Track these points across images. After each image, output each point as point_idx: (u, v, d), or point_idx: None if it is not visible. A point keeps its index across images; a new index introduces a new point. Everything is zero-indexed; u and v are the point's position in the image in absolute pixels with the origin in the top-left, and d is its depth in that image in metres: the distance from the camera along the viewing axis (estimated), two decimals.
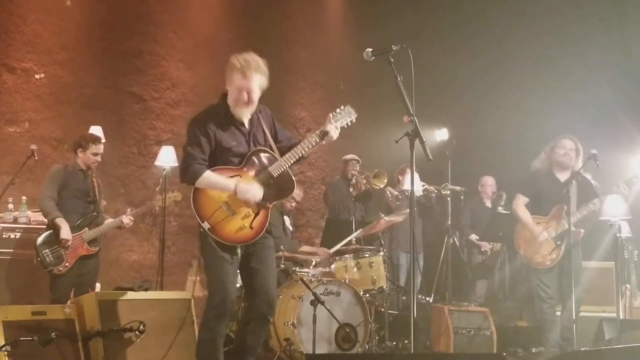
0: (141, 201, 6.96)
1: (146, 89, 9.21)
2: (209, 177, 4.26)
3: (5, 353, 4.30)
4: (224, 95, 4.42)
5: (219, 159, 4.33)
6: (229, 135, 4.35)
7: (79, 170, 6.39)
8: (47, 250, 6.10)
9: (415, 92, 3.86)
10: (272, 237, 4.53)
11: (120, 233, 8.61)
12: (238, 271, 4.47)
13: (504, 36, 9.71)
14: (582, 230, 6.16)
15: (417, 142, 3.84)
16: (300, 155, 4.38)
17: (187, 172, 4.29)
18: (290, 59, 10.10)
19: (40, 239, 6.13)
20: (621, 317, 6.36)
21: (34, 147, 6.93)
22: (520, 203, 6.43)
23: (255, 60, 4.33)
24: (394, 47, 3.90)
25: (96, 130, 7.73)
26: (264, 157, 4.38)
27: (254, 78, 4.31)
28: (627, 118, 8.55)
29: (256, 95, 4.36)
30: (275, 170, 4.32)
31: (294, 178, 4.41)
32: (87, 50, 8.78)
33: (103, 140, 7.73)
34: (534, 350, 7.13)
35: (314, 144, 4.38)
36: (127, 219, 6.49)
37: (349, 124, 4.53)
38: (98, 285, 7.03)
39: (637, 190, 6.32)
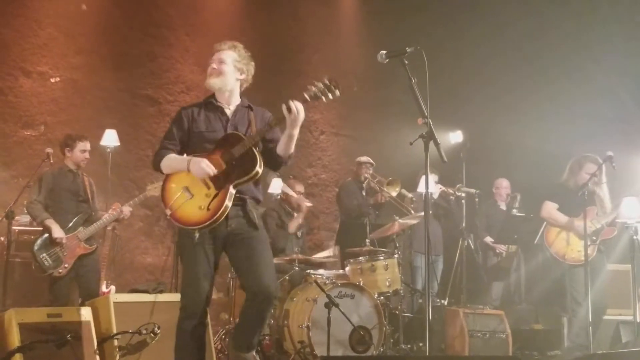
0: (155, 204, 6.99)
1: (160, 92, 9.25)
2: (168, 158, 4.27)
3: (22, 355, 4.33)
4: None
5: (193, 144, 4.31)
6: (203, 121, 4.35)
7: (67, 172, 6.45)
8: (44, 254, 6.13)
9: (430, 94, 3.85)
10: (261, 231, 4.30)
11: (134, 236, 8.66)
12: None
13: (520, 39, 9.68)
14: (616, 229, 6.18)
15: (431, 144, 3.83)
16: (260, 136, 4.21)
17: (154, 159, 4.36)
18: (302, 62, 10.09)
19: (36, 244, 6.16)
20: (638, 320, 6.31)
21: (49, 150, 6.97)
22: (552, 208, 6.44)
23: (233, 42, 4.44)
24: (407, 49, 3.89)
25: (111, 133, 7.77)
26: (231, 139, 4.23)
27: (225, 52, 4.37)
28: None
29: (227, 68, 4.34)
30: (237, 150, 4.15)
31: (258, 157, 4.15)
32: (102, 54, 8.83)
33: (116, 144, 7.82)
34: (549, 353, 7.09)
35: (272, 125, 4.22)
36: (126, 209, 6.50)
37: (324, 94, 4.12)
38: (113, 288, 7.06)
39: None
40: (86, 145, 6.50)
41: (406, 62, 3.90)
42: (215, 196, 4.12)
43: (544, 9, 9.62)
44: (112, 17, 8.93)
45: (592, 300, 5.84)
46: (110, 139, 7.73)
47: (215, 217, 4.09)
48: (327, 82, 4.11)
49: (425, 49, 3.87)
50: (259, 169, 4.16)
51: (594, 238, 6.19)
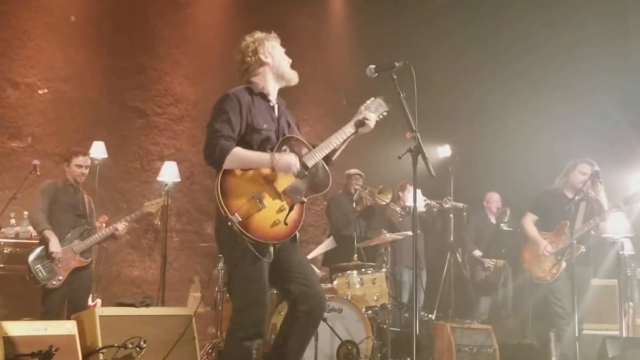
0: (143, 216, 6.97)
1: (149, 105, 9.24)
2: (240, 153, 3.72)
3: None
4: (250, 82, 4.04)
5: (249, 142, 3.82)
6: (261, 116, 3.89)
7: (69, 185, 6.43)
8: (39, 265, 6.10)
9: (418, 108, 3.85)
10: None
11: (121, 248, 8.61)
12: None
13: (509, 54, 9.74)
14: (582, 247, 6.15)
15: (419, 158, 3.83)
16: (334, 146, 3.95)
17: (214, 151, 3.69)
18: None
19: (31, 256, 6.13)
20: (624, 335, 6.32)
21: (36, 162, 6.95)
22: (529, 220, 6.50)
23: None
24: (396, 64, 3.88)
25: (99, 145, 7.75)
26: (296, 145, 3.90)
27: None
28: (633, 135, 8.56)
29: None
30: (309, 160, 3.86)
31: (329, 171, 3.95)
32: (91, 66, 8.82)
33: (104, 156, 7.79)
34: None
35: (348, 134, 3.98)
36: (121, 225, 6.47)
37: (382, 116, 4.13)
38: (99, 301, 7.02)
39: (638, 208, 6.30)
40: (82, 160, 6.44)
41: (395, 76, 3.90)
42: (290, 209, 3.78)
43: (531, 26, 9.70)
44: (101, 29, 8.92)
45: (570, 314, 5.88)
46: (98, 151, 7.72)
47: (293, 233, 3.81)
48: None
49: (414, 63, 3.87)
50: (330, 183, 3.97)
51: (559, 257, 6.19)
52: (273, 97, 4.05)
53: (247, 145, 3.80)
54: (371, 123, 4.04)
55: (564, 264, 6.13)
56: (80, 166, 6.41)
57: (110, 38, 8.98)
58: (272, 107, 4.01)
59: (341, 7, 11.21)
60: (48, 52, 8.58)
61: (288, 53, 4.20)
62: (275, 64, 4.08)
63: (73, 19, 8.75)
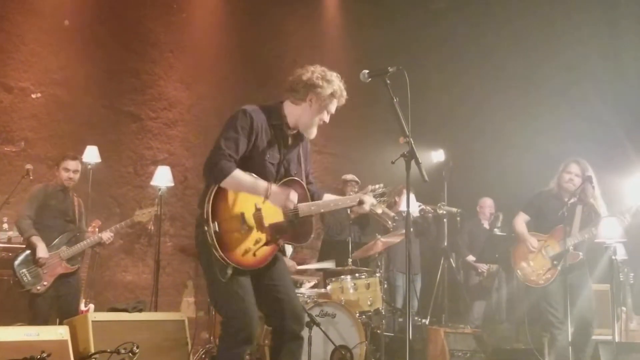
0: (134, 224, 6.96)
1: (143, 109, 9.22)
2: (239, 175, 3.70)
3: None
4: (281, 103, 4.05)
5: (251, 167, 3.81)
6: (268, 147, 3.88)
7: (59, 190, 6.41)
8: (24, 270, 6.10)
9: (412, 113, 3.85)
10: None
11: (114, 253, 8.59)
12: None
13: (503, 60, 9.78)
14: (580, 254, 6.14)
15: (413, 163, 3.83)
16: (329, 209, 4.08)
17: (214, 168, 3.68)
18: (287, 78, 10.05)
19: (17, 260, 6.13)
20: (617, 340, 6.32)
21: (29, 166, 6.93)
22: (520, 220, 6.50)
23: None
24: (390, 69, 3.88)
25: (92, 149, 7.74)
26: (298, 190, 3.91)
27: None
28: (627, 139, 8.58)
29: None
30: (303, 210, 3.87)
31: (313, 228, 3.97)
32: (84, 70, 8.79)
33: (97, 160, 7.77)
34: None
35: (347, 205, 4.04)
36: (106, 235, 6.45)
37: (381, 205, 4.15)
38: (92, 306, 6.99)
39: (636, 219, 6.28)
40: (70, 165, 6.42)
41: (388, 81, 3.90)
42: (265, 244, 3.81)
43: (526, 31, 9.73)
44: (95, 33, 8.91)
45: (563, 322, 5.88)
46: (91, 155, 7.71)
47: (257, 266, 3.80)
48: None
49: (408, 68, 3.87)
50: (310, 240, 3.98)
51: (555, 262, 6.18)
52: (292, 130, 4.01)
53: (245, 168, 3.77)
54: (366, 206, 3.98)
55: (559, 269, 6.13)
56: (67, 170, 6.38)
57: (104, 42, 8.96)
58: (286, 139, 3.98)
59: (335, 12, 11.23)
60: (42, 56, 8.55)
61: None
62: (307, 115, 3.99)
63: (67, 23, 8.72)
